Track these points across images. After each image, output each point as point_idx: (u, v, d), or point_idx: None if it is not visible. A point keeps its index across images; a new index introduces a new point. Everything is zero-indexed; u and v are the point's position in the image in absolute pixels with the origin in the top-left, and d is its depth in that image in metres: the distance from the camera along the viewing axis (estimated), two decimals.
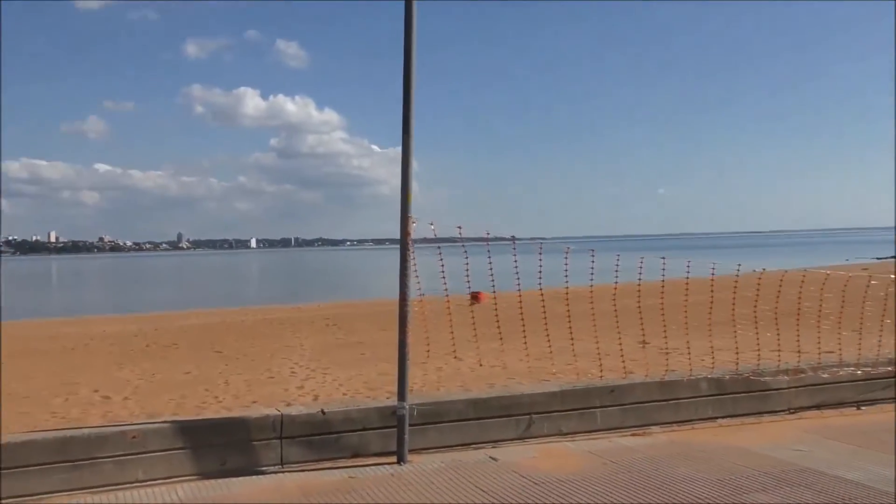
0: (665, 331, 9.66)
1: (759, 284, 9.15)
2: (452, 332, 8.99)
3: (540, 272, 9.03)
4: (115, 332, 28.63)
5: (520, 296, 8.62)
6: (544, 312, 8.57)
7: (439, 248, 8.15)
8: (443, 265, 8.22)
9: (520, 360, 15.89)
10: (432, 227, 7.63)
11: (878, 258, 79.63)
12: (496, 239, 8.62)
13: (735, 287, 9.23)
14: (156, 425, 7.32)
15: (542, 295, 8.72)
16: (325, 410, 7.57)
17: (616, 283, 9.02)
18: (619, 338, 10.38)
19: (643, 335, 11.40)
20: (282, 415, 7.45)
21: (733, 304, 9.47)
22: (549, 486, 6.83)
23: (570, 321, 8.96)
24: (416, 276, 7.75)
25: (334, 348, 20.57)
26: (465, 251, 8.29)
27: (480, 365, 14.44)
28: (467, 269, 8.52)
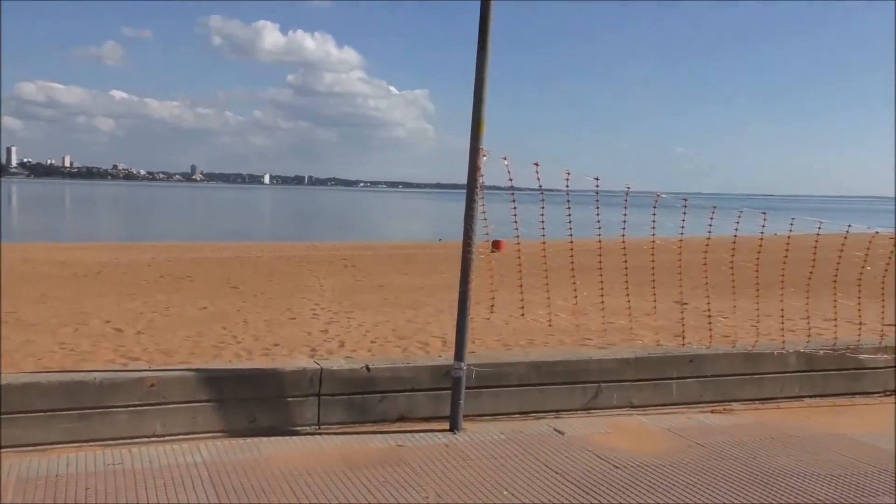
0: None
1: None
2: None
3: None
4: (127, 261, 27.79)
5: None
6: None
7: (513, 193, 6.99)
8: (515, 208, 7.07)
9: (556, 315, 14.91)
10: (506, 162, 6.53)
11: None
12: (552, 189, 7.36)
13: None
14: (177, 373, 6.36)
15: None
16: (371, 366, 6.59)
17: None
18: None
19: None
20: (321, 369, 6.48)
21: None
22: (633, 471, 5.86)
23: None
24: (485, 219, 6.67)
25: (355, 291, 19.60)
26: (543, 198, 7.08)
27: (523, 315, 13.40)
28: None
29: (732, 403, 7.68)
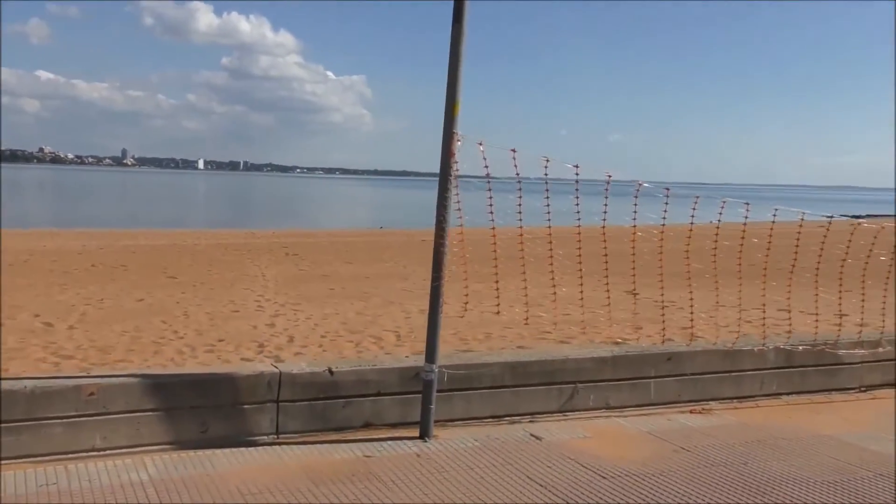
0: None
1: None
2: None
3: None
4: (55, 248, 26.57)
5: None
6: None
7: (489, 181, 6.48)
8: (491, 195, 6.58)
9: (509, 307, 14.54)
10: (481, 148, 6.03)
11: (859, 216, 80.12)
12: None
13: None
14: (119, 379, 5.72)
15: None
16: (334, 369, 6.05)
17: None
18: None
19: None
20: (280, 372, 5.91)
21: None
22: (622, 481, 5.45)
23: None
24: (459, 208, 6.18)
25: (299, 281, 18.93)
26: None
27: (498, 313, 12.91)
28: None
29: (711, 402, 7.35)
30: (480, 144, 5.83)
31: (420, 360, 6.23)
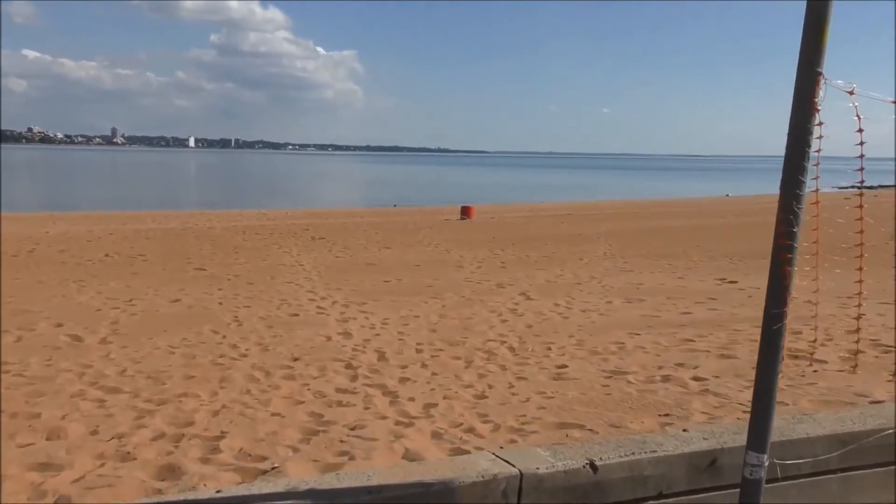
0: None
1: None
2: None
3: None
4: (60, 235, 24.29)
5: None
6: None
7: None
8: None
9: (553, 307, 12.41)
10: (852, 95, 3.74)
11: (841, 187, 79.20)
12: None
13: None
14: (271, 486, 3.50)
15: None
16: (597, 461, 3.85)
17: None
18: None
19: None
20: (520, 473, 3.71)
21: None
22: None
23: None
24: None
25: (344, 271, 16.74)
26: None
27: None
28: None
29: None
30: (851, 93, 3.49)
31: (691, 433, 4.03)
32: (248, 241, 23.35)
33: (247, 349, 9.31)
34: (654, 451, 3.93)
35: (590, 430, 5.69)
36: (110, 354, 8.99)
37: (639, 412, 6.24)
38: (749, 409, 5.43)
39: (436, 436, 5.75)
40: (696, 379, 7.51)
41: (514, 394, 7.16)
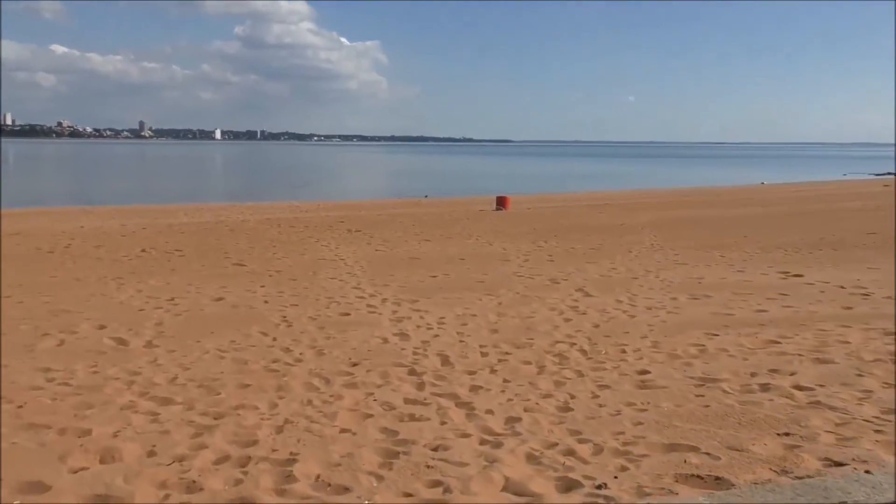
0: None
1: None
2: None
3: None
4: (94, 229, 23.94)
5: None
6: None
7: None
8: None
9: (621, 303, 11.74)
10: None
11: (878, 174, 78.03)
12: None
13: None
14: None
15: None
16: None
17: None
18: None
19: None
20: None
21: None
22: None
23: None
24: None
25: (388, 265, 16.16)
26: None
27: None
28: None
29: None
30: None
31: (877, 475, 3.39)
32: (284, 234, 22.85)
33: (301, 353, 8.76)
34: (843, 501, 3.29)
35: (707, 453, 5.05)
36: (158, 360, 8.48)
37: (752, 430, 5.59)
38: (879, 428, 4.77)
39: (532, 459, 5.14)
40: (798, 388, 6.84)
41: (600, 405, 6.53)
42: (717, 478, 4.50)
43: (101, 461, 5.37)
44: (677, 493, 4.23)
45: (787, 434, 5.43)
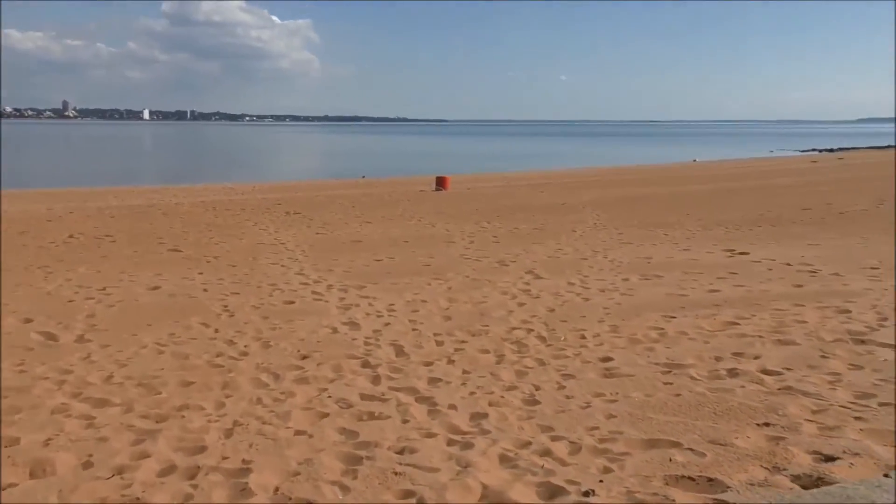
0: None
1: None
2: None
3: None
4: (17, 213, 22.80)
5: None
6: None
7: None
8: None
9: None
10: None
11: (810, 150, 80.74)
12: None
13: None
14: None
15: None
16: None
17: None
18: None
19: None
20: None
21: None
22: None
23: None
24: None
25: (330, 250, 15.69)
26: None
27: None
28: None
29: None
30: None
31: None
32: (220, 217, 22.11)
33: (245, 346, 8.30)
34: None
35: (690, 449, 4.79)
36: (91, 356, 7.92)
37: (730, 421, 5.37)
38: (859, 415, 4.56)
39: (507, 461, 4.81)
40: (766, 373, 6.67)
41: (568, 397, 6.25)
42: (710, 479, 4.25)
43: (32, 475, 4.87)
44: (673, 500, 3.95)
45: (766, 424, 5.22)
